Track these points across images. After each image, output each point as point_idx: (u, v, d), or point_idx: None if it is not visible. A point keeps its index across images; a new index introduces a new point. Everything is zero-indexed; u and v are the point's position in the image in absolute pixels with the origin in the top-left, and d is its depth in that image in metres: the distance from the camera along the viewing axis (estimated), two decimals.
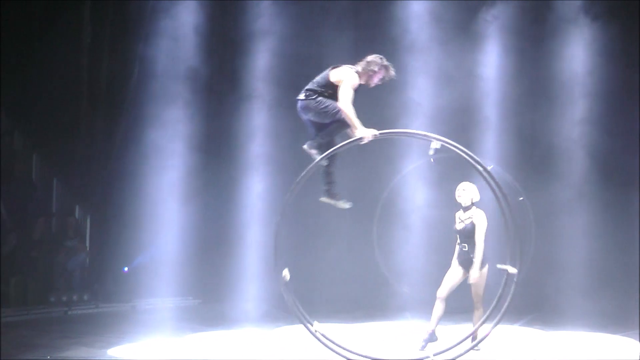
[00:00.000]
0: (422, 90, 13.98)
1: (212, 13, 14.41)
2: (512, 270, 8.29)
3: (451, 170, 11.41)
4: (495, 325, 8.35)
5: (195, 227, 14.23)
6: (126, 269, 14.89)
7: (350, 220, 14.04)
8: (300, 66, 14.32)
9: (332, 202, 8.81)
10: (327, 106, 8.44)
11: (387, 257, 12.55)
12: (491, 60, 14.26)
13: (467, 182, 9.47)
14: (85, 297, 14.47)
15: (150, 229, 14.00)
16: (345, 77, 8.45)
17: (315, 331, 8.55)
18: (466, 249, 9.25)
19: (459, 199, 9.40)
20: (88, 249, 15.23)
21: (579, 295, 12.83)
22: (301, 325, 8.58)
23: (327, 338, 8.56)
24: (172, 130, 13.97)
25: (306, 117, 8.59)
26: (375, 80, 8.67)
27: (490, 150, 13.58)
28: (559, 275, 13.41)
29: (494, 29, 14.21)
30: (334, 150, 8.44)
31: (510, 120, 14.17)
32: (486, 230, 9.22)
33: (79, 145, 14.84)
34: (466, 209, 9.34)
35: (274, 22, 14.34)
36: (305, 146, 8.50)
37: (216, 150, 14.83)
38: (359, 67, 8.62)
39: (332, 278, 14.34)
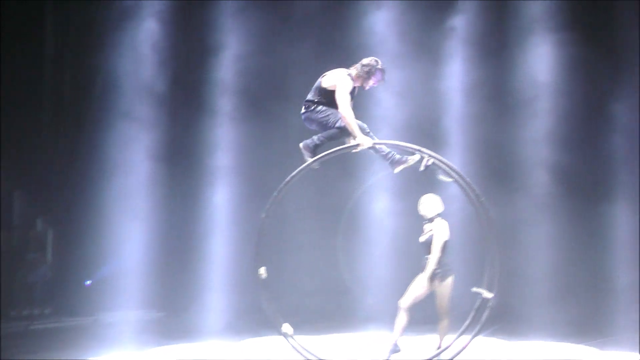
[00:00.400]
0: (382, 103, 14.00)
1: (174, 26, 14.38)
2: (488, 294, 8.37)
3: (416, 180, 11.45)
4: (468, 343, 8.47)
5: (158, 239, 14.13)
6: (88, 282, 14.76)
7: (315, 231, 14.05)
8: (261, 78, 14.41)
9: (405, 166, 8.67)
10: (327, 116, 8.56)
11: (351, 268, 12.57)
12: (453, 73, 14.33)
13: (431, 194, 9.45)
14: (47, 311, 14.34)
15: (113, 241, 13.90)
16: (338, 82, 8.52)
17: (285, 333, 8.63)
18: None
19: (422, 212, 9.40)
20: (50, 262, 15.07)
21: (542, 306, 12.90)
22: (266, 337, 8.62)
23: (295, 341, 8.76)
24: (134, 142, 13.92)
25: (311, 128, 8.67)
26: (371, 82, 8.74)
27: (453, 163, 13.60)
28: (522, 286, 13.47)
29: (456, 41, 14.28)
30: (327, 154, 8.51)
31: (472, 132, 14.22)
32: (449, 241, 9.23)
33: (40, 157, 14.72)
34: (430, 220, 9.34)
35: (234, 35, 14.33)
36: (300, 145, 8.59)
37: (178, 162, 14.76)
38: (353, 70, 8.68)
39: (295, 290, 14.29)
